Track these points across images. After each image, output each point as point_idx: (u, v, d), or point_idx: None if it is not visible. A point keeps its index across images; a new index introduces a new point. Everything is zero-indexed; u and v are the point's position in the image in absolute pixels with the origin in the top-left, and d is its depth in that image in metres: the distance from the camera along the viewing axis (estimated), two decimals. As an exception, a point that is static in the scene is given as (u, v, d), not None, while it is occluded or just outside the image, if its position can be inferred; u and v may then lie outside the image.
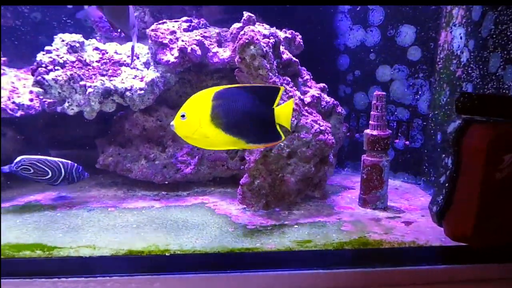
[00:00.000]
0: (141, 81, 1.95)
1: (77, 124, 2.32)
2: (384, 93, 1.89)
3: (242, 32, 1.71)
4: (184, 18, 2.13)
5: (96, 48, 2.14)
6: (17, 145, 2.23)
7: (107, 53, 2.13)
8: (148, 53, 2.16)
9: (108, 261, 1.41)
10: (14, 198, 2.10)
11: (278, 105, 1.42)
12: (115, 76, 2.03)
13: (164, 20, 2.11)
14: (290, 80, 1.84)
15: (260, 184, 1.84)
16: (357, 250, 1.50)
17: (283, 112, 1.43)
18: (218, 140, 1.39)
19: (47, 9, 2.64)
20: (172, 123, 1.39)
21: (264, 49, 1.64)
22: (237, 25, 1.91)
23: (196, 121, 1.36)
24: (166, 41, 1.98)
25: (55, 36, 2.11)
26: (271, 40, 1.69)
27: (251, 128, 1.40)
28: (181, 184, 2.24)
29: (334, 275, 1.37)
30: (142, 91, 1.93)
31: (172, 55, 1.97)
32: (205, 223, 1.78)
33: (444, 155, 1.44)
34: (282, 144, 1.78)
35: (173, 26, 2.06)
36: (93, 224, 1.75)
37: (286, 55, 1.86)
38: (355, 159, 2.53)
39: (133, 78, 2.03)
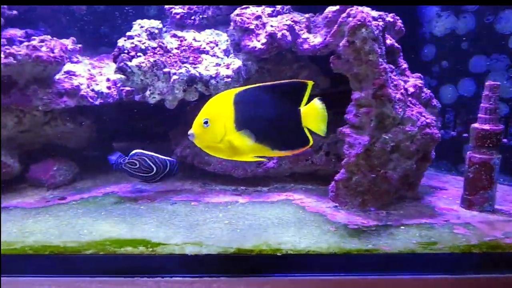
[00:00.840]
0: (227, 68, 1.84)
1: (150, 114, 2.24)
2: (498, 83, 1.71)
3: (343, 15, 1.57)
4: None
5: (174, 35, 2.04)
6: (91, 134, 2.17)
7: (185, 40, 2.03)
8: (227, 40, 2.04)
9: (214, 260, 1.29)
10: (90, 189, 2.03)
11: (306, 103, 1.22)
12: (197, 64, 1.93)
13: (247, 5, 1.98)
14: (393, 67, 1.68)
15: (358, 180, 1.69)
16: (489, 254, 1.33)
17: (309, 113, 1.22)
18: (243, 148, 1.21)
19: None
20: (191, 131, 1.20)
21: (375, 32, 1.49)
22: (332, 8, 1.77)
23: (221, 128, 1.18)
24: (252, 27, 1.85)
25: (133, 22, 2.02)
26: (380, 23, 1.54)
27: (276, 133, 1.23)
28: (259, 179, 2.11)
29: (473, 281, 1.21)
30: (229, 79, 1.82)
31: (259, 41, 1.85)
32: (300, 221, 1.64)
33: None
34: (387, 137, 1.62)
35: (257, 11, 1.94)
36: (181, 219, 1.64)
37: (389, 40, 1.70)
38: (438, 157, 2.34)
39: (215, 66, 1.92)
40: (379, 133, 1.63)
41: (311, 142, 1.27)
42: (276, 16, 1.96)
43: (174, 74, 1.81)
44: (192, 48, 2.00)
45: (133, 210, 1.75)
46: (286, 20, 1.82)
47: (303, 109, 1.22)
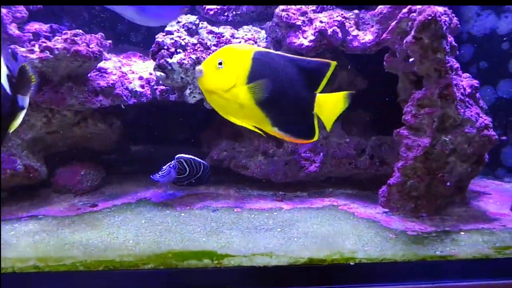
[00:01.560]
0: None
1: (180, 115, 2.13)
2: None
3: (404, 10, 1.49)
4: None
5: (211, 32, 1.94)
6: (120, 136, 2.04)
7: (222, 36, 1.92)
8: (265, 37, 1.95)
9: (286, 271, 1.19)
10: (119, 195, 1.90)
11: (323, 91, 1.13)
12: (236, 62, 1.82)
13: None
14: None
15: (413, 185, 1.60)
16: None
17: (327, 102, 1.13)
18: (245, 110, 1.10)
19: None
20: (200, 67, 1.07)
21: (444, 28, 1.41)
22: (384, 6, 1.69)
23: (234, 75, 1.06)
24: (299, 23, 1.76)
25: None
26: (447, 19, 1.46)
27: (283, 109, 1.12)
28: (294, 184, 2.01)
29: None
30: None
31: (306, 38, 1.75)
32: (355, 228, 1.55)
33: None
34: (447, 139, 1.55)
35: (302, 6, 1.84)
36: (230, 227, 1.53)
37: (449, 37, 1.63)
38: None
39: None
40: (439, 135, 1.55)
41: (316, 137, 1.19)
42: (320, 12, 1.88)
43: (218, 72, 1.70)
44: (230, 45, 1.89)
45: (175, 217, 1.63)
46: (337, 16, 1.73)
47: (320, 95, 1.13)
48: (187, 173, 1.80)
